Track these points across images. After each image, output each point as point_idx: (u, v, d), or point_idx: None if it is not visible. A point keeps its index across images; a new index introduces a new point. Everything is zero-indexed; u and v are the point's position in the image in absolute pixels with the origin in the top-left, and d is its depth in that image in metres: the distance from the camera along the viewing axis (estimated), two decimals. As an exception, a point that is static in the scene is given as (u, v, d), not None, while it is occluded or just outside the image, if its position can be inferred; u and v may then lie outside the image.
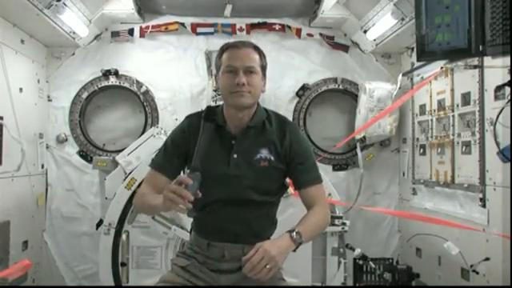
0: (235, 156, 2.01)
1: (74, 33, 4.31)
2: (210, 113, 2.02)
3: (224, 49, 2.04)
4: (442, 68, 3.49)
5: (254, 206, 2.02)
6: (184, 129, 2.10)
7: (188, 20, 4.78)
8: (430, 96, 4.10)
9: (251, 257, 1.75)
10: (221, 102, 4.16)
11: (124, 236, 3.58)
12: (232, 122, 2.05)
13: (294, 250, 1.87)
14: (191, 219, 2.18)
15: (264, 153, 2.02)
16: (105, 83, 4.73)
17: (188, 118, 2.14)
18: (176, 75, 4.80)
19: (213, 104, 4.28)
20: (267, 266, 1.74)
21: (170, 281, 2.05)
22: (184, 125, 2.12)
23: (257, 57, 2.02)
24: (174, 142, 2.11)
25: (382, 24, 4.19)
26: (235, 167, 2.00)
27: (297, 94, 4.85)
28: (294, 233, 1.85)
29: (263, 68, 2.05)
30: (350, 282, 3.93)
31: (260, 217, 2.06)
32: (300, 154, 2.05)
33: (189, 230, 3.50)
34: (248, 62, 1.98)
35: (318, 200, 2.05)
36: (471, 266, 3.30)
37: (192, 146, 2.03)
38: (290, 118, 4.45)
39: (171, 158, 2.09)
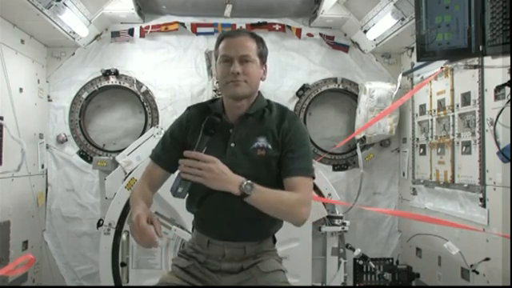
0: (232, 145, 1.95)
1: (73, 33, 4.31)
2: (210, 125, 1.88)
3: (220, 38, 2.00)
4: (442, 68, 3.49)
5: None
6: (183, 120, 2.07)
7: (188, 20, 4.78)
8: (430, 96, 4.10)
9: (201, 157, 1.73)
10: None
11: (124, 236, 3.59)
12: (230, 112, 2.00)
13: (241, 199, 1.76)
14: (192, 219, 2.17)
15: (261, 141, 1.94)
16: (105, 83, 4.74)
17: (188, 109, 2.12)
18: (176, 75, 4.80)
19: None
20: (198, 172, 1.72)
21: (169, 282, 2.02)
22: (183, 116, 2.09)
23: (253, 45, 1.96)
24: (172, 134, 2.08)
25: (382, 24, 4.19)
26: (231, 156, 1.93)
27: (297, 94, 4.85)
28: (246, 182, 1.75)
29: (261, 55, 1.99)
30: (350, 282, 3.93)
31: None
32: (292, 142, 1.95)
33: (189, 229, 3.53)
34: (243, 50, 1.92)
35: (300, 189, 1.88)
36: (471, 265, 3.30)
37: (189, 139, 2.00)
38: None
39: (169, 151, 2.05)
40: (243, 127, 1.98)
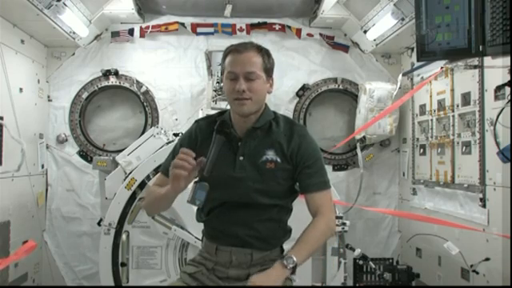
0: (241, 158, 1.98)
1: (73, 33, 4.31)
2: (223, 125, 1.95)
3: (227, 52, 2.00)
4: (442, 68, 3.49)
5: (260, 210, 1.98)
6: (192, 133, 2.08)
7: (188, 20, 4.78)
8: (430, 96, 4.10)
9: None
10: (221, 103, 4.15)
11: (124, 236, 3.58)
12: (238, 125, 2.02)
13: (293, 273, 1.85)
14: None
15: (270, 154, 1.98)
16: (105, 83, 4.74)
17: (197, 122, 2.12)
18: (176, 75, 4.81)
19: (213, 104, 4.27)
20: None
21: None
22: (192, 129, 2.10)
23: (259, 60, 1.96)
24: (181, 147, 2.02)
25: (382, 24, 4.19)
26: (240, 169, 1.97)
27: (297, 94, 4.85)
28: (285, 258, 1.83)
29: (267, 70, 1.99)
30: (350, 282, 3.93)
31: (267, 220, 2.00)
32: (307, 157, 1.99)
33: (189, 230, 3.54)
34: (249, 67, 1.92)
35: (322, 207, 1.98)
36: (471, 265, 3.30)
37: (199, 151, 1.96)
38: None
39: None
40: (251, 140, 2.00)
